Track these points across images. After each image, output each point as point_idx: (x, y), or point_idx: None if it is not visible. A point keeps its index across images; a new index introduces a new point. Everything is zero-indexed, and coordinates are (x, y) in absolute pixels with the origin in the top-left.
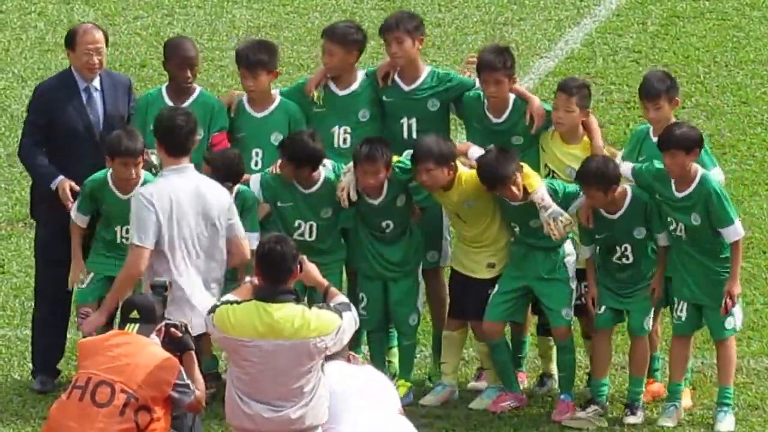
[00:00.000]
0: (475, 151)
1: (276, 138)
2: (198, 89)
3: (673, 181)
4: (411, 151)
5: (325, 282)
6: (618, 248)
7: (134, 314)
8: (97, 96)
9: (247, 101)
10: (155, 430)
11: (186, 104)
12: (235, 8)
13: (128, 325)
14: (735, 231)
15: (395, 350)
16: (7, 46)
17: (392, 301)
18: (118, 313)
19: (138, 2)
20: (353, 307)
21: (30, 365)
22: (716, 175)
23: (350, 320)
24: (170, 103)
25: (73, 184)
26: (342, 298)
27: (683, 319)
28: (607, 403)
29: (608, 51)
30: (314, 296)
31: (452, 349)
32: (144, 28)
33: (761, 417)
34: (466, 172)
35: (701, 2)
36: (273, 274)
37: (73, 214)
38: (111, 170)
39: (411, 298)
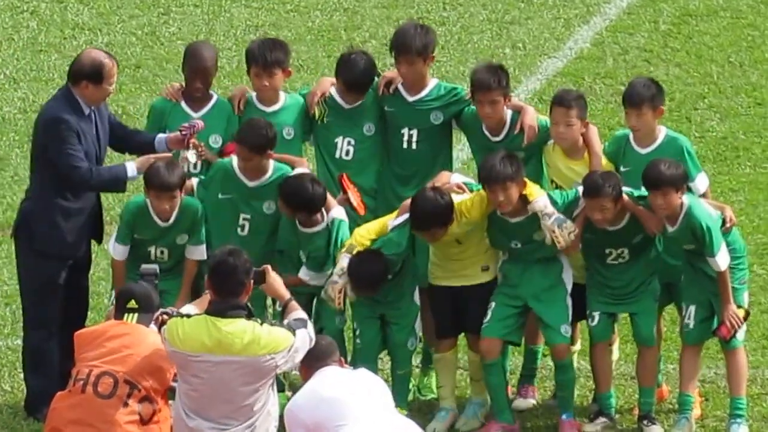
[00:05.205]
0: (457, 177)
1: (288, 133)
2: (215, 97)
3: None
4: (398, 226)
5: (287, 294)
6: (613, 251)
7: (132, 304)
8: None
9: (256, 98)
10: (159, 422)
11: (203, 112)
12: (233, 7)
13: (127, 315)
14: (716, 263)
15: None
16: None
17: (388, 324)
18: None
19: (133, 0)
20: (310, 324)
21: (21, 375)
22: (701, 183)
23: (304, 338)
24: (191, 112)
25: None
26: (300, 314)
27: (691, 326)
28: (617, 416)
29: (619, 50)
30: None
31: (447, 372)
32: (139, 27)
33: None
34: (464, 201)
35: (714, 0)
36: (224, 288)
37: (112, 248)
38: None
39: (408, 320)
